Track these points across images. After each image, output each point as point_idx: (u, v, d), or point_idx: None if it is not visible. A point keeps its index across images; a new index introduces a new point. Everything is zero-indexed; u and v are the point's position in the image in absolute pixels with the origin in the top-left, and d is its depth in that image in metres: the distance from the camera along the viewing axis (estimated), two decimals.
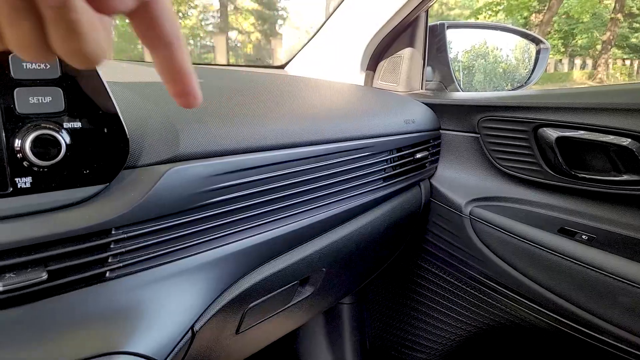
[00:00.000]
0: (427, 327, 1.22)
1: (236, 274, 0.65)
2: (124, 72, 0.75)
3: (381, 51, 1.21)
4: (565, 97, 0.84)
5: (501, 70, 1.73)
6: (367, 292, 1.34)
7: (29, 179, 0.45)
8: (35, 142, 0.44)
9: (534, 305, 0.93)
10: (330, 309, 1.32)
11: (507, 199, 0.96)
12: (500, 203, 0.97)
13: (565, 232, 0.87)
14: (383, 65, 1.22)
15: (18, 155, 0.43)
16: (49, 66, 0.45)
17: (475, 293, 1.07)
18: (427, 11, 1.14)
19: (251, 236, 0.66)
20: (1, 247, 0.44)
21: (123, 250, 0.52)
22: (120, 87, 0.61)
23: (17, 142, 0.43)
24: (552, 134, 0.86)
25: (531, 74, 1.44)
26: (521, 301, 0.95)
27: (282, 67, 1.43)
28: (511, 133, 0.93)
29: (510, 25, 1.54)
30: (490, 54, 1.71)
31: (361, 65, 1.22)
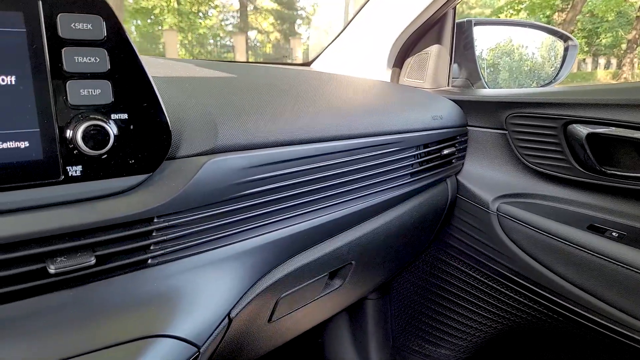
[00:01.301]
0: (452, 323, 1.22)
1: (270, 263, 0.67)
2: (162, 67, 0.77)
3: (408, 48, 1.22)
4: (595, 93, 0.84)
5: (527, 68, 1.71)
6: (391, 287, 1.35)
7: (79, 168, 0.47)
8: (86, 133, 0.45)
9: (563, 302, 0.93)
10: (354, 304, 1.33)
11: (535, 195, 0.96)
12: (528, 200, 0.97)
13: (595, 229, 0.87)
14: (409, 62, 1.23)
15: (70, 145, 0.46)
16: (98, 60, 0.47)
17: (502, 290, 1.07)
18: (454, 8, 1.14)
19: (284, 227, 0.67)
20: (53, 232, 0.46)
21: (164, 238, 0.54)
22: (160, 81, 0.63)
23: (69, 133, 0.45)
24: (583, 130, 0.86)
25: (558, 71, 1.43)
26: (549, 298, 0.95)
27: (308, 64, 1.45)
28: (540, 130, 0.92)
29: (538, 22, 1.53)
30: (516, 51, 1.70)
31: (387, 62, 1.22)
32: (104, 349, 0.48)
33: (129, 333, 0.50)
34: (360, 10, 1.26)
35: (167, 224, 0.54)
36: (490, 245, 1.03)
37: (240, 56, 15.59)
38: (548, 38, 1.58)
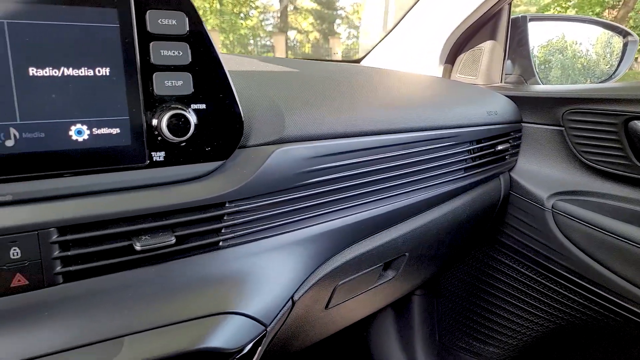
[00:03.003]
0: (502, 321, 1.21)
1: (331, 251, 0.69)
2: (231, 62, 0.81)
3: (461, 44, 1.22)
4: None
5: (580, 65, 1.67)
6: (439, 283, 1.35)
7: (162, 154, 0.51)
8: (170, 121, 0.49)
9: (620, 302, 0.91)
10: (401, 300, 1.34)
11: (592, 193, 0.95)
12: (584, 197, 0.95)
13: None
14: (462, 58, 1.23)
15: (155, 132, 0.49)
16: (181, 53, 0.50)
17: (555, 287, 1.05)
18: (510, 4, 1.13)
19: (345, 216, 0.69)
20: (140, 213, 0.50)
21: (234, 222, 0.57)
22: (233, 75, 0.66)
23: (155, 121, 0.49)
24: None
25: (617, 67, 1.39)
26: (606, 297, 0.93)
27: (358, 61, 1.47)
28: (599, 126, 0.91)
29: (596, 18, 1.50)
30: (569, 48, 1.66)
31: (440, 58, 1.23)
32: (181, 322, 0.51)
33: (203, 309, 0.54)
34: (411, 8, 1.27)
35: (237, 208, 0.57)
36: (544, 242, 1.02)
37: (281, 56, 15.73)
38: (604, 34, 1.54)
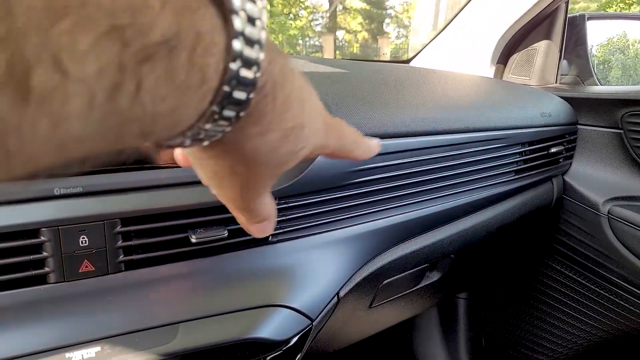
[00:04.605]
0: (551, 329, 1.18)
1: (376, 249, 0.70)
2: None
3: (514, 44, 1.19)
4: None
5: None
6: (485, 287, 1.32)
7: None
8: None
9: None
10: (446, 303, 1.33)
11: None
12: None
13: None
14: (515, 58, 1.20)
15: None
16: None
17: (610, 296, 1.01)
18: (567, 1, 1.10)
19: (391, 216, 0.70)
20: (194, 207, 0.53)
21: (284, 218, 0.59)
22: None
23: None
24: None
25: None
26: None
27: (407, 61, 1.46)
28: None
29: None
30: (631, 47, 1.59)
31: (492, 58, 1.20)
32: (233, 312, 0.54)
33: (253, 300, 0.56)
34: (463, 7, 1.26)
35: (286, 205, 0.59)
36: (598, 248, 0.98)
37: (329, 56, 15.80)
38: None
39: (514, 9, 1.10)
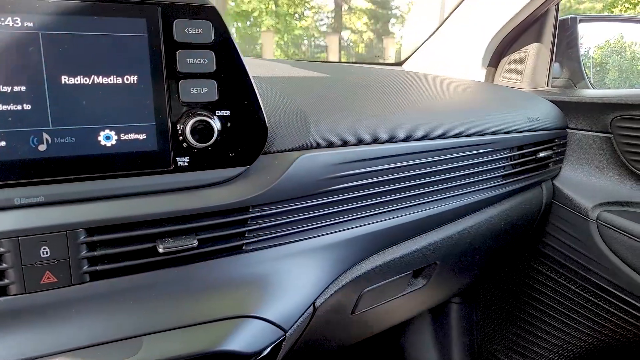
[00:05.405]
0: (542, 334, 1.17)
1: (356, 257, 0.69)
2: (260, 67, 0.82)
3: (505, 47, 1.18)
4: None
5: None
6: (478, 292, 1.31)
7: (187, 159, 0.52)
8: (194, 127, 0.50)
9: None
10: (438, 307, 1.32)
11: None
12: (633, 208, 0.90)
13: None
14: (506, 61, 1.19)
15: (179, 137, 0.51)
16: (207, 61, 0.52)
17: (599, 303, 1.00)
18: (557, 4, 1.08)
19: (370, 223, 0.69)
20: (162, 216, 0.52)
21: (258, 226, 0.58)
22: (258, 81, 0.68)
23: (180, 127, 0.51)
24: None
25: None
26: None
27: (400, 64, 1.45)
28: None
29: None
30: (628, 49, 1.57)
31: (482, 61, 1.19)
32: (200, 324, 0.53)
33: (223, 311, 0.55)
34: (454, 10, 1.24)
35: (260, 213, 0.58)
36: (587, 255, 0.97)
37: (333, 56, 15.78)
38: None
39: (505, 12, 1.08)
